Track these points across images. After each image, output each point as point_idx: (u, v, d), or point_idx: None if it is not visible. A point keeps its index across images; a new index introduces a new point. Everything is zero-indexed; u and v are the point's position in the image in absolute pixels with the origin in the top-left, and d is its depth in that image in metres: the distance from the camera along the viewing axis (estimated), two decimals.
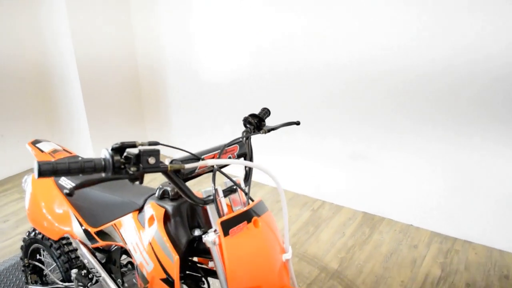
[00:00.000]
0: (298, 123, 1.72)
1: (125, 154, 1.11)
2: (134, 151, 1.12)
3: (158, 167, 1.15)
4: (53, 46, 4.43)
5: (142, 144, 1.16)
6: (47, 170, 1.02)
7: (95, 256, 1.82)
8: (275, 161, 3.92)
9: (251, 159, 1.52)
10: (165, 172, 1.20)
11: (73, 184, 1.77)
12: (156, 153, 1.15)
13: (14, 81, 4.54)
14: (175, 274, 1.33)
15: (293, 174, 3.86)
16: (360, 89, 3.24)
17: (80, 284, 1.90)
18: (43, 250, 2.38)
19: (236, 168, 4.30)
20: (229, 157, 1.43)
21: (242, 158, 1.50)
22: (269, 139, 3.90)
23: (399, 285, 2.75)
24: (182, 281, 1.57)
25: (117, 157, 1.09)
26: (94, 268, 1.77)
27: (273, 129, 1.64)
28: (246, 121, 1.64)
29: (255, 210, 1.36)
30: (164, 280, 1.37)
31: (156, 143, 1.18)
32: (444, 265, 2.91)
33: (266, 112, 1.71)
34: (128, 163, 1.11)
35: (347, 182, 3.55)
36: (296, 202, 3.77)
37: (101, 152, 1.11)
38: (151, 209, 1.46)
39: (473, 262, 2.94)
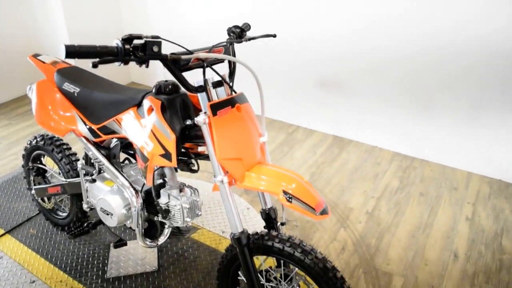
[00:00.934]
0: (274, 36, 1.96)
1: (133, 43, 1.36)
2: (141, 41, 1.37)
3: (160, 55, 1.40)
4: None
5: (146, 37, 1.40)
6: (72, 52, 1.26)
7: (100, 151, 2.08)
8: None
9: (234, 63, 1.77)
10: (165, 60, 1.45)
11: (77, 89, 2.01)
12: (159, 43, 1.40)
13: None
14: (172, 149, 1.62)
15: (270, 101, 4.13)
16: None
17: (85, 174, 2.18)
18: (44, 157, 2.63)
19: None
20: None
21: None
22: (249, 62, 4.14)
23: (362, 194, 3.13)
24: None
25: (127, 46, 1.34)
26: (97, 159, 2.04)
27: (252, 38, 1.89)
28: (229, 30, 1.88)
29: (237, 99, 1.64)
30: (162, 155, 1.66)
31: (158, 37, 1.42)
32: (402, 179, 3.30)
33: (247, 25, 1.95)
34: (136, 50, 1.36)
35: (320, 108, 3.86)
36: (273, 126, 4.08)
37: (113, 41, 1.35)
38: (149, 101, 1.72)
39: (428, 177, 3.34)
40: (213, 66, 1.66)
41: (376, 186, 3.21)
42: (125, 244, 2.14)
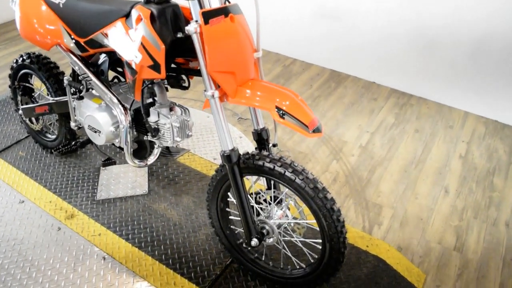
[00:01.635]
0: None
1: None
2: None
3: None
4: None
5: None
6: None
7: (87, 66, 1.99)
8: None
9: None
10: None
11: (63, 0, 1.89)
12: None
13: None
14: (161, 59, 1.54)
15: (266, 32, 3.99)
16: None
17: (72, 91, 2.11)
18: (31, 77, 2.54)
19: None
20: None
21: None
22: None
23: (356, 128, 3.09)
24: (165, 80, 1.79)
25: None
26: (85, 74, 1.95)
27: None
28: None
29: (231, 8, 1.54)
30: (151, 67, 1.58)
31: None
32: (398, 115, 3.25)
33: None
34: None
35: (318, 41, 3.73)
36: (269, 58, 3.96)
37: None
38: (137, 11, 1.61)
39: (424, 114, 3.29)
40: None
41: (371, 121, 3.17)
42: (114, 163, 2.10)
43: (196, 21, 1.47)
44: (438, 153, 2.90)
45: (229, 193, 1.84)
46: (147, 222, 2.22)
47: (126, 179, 2.47)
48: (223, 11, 1.50)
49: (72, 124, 2.15)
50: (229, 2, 1.58)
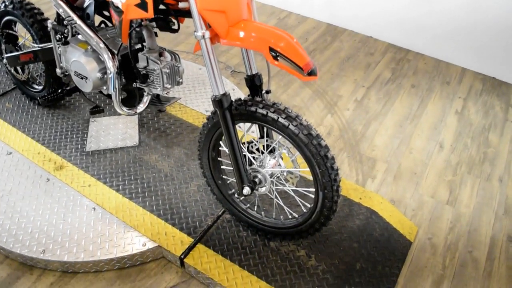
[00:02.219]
0: None
1: None
2: None
3: None
4: None
5: None
6: None
7: (72, 9, 1.89)
8: None
9: None
10: None
11: None
12: None
13: None
14: None
15: None
16: None
17: (57, 36, 2.01)
18: (15, 24, 2.43)
19: None
20: None
21: None
22: None
23: (352, 82, 3.02)
24: (154, 23, 1.71)
25: None
26: (69, 17, 1.86)
27: None
28: None
29: None
30: (138, 5, 1.50)
31: None
32: (395, 70, 3.18)
33: None
34: None
35: None
36: (263, 11, 3.84)
37: None
38: None
39: (421, 70, 3.22)
40: None
41: (367, 75, 3.10)
42: (102, 111, 2.04)
43: None
44: (434, 109, 2.85)
45: (221, 142, 1.80)
46: (137, 173, 2.19)
47: (116, 131, 2.41)
48: None
49: (58, 71, 2.07)
50: None
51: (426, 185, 2.32)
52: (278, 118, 1.53)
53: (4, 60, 2.40)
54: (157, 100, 1.98)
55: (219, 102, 1.55)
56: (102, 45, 1.78)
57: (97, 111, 2.01)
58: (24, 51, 2.23)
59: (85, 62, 1.82)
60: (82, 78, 1.87)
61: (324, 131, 2.59)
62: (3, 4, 2.30)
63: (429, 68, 3.23)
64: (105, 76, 1.85)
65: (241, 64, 3.12)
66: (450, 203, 2.23)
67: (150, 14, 1.49)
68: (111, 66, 1.77)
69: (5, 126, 2.46)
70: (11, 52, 2.41)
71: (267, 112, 1.54)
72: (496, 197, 2.29)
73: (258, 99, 1.59)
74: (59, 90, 2.12)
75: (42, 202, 2.06)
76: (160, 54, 1.79)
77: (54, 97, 2.11)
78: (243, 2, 1.51)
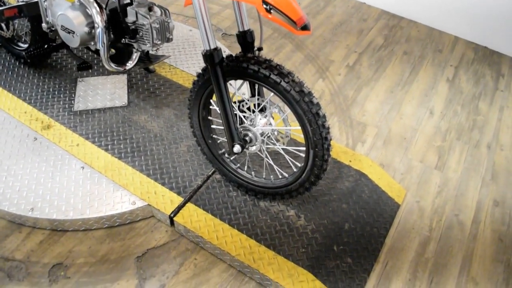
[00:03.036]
0: None
1: None
2: None
3: None
4: None
5: None
6: None
7: None
8: None
9: None
10: None
11: None
12: None
13: None
14: None
15: None
16: None
17: None
18: None
19: None
20: None
21: None
22: None
23: (344, 47, 2.99)
24: None
25: None
26: None
27: None
28: None
29: None
30: None
31: None
32: (387, 37, 3.15)
33: None
34: None
35: None
36: None
37: None
38: None
39: (414, 37, 3.20)
40: None
41: (359, 41, 3.07)
42: (90, 67, 2.00)
43: None
44: (425, 76, 2.85)
45: (211, 101, 1.78)
46: (126, 133, 2.16)
47: (104, 91, 2.37)
48: None
49: (44, 26, 2.01)
50: None
51: (415, 150, 2.33)
52: (270, 74, 1.51)
53: None
54: (146, 57, 1.94)
55: (210, 56, 1.52)
56: None
57: (85, 67, 1.97)
58: (8, 6, 2.16)
59: (72, 16, 1.77)
60: (69, 32, 1.82)
61: (315, 95, 2.57)
62: None
63: (421, 36, 3.21)
64: (93, 30, 1.81)
65: (232, 27, 3.07)
66: (439, 168, 2.25)
67: None
68: (99, 20, 1.73)
69: None
70: None
71: (259, 69, 1.52)
72: (484, 164, 2.31)
73: (250, 55, 1.56)
74: (46, 46, 2.06)
75: (30, 161, 2.03)
76: (150, 9, 1.75)
77: (40, 53, 2.05)
78: None
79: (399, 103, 2.61)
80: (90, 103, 2.30)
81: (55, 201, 1.87)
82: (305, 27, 1.40)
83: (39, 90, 2.38)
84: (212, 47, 1.51)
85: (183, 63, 2.60)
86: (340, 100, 2.57)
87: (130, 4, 1.75)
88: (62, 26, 1.83)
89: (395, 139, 2.37)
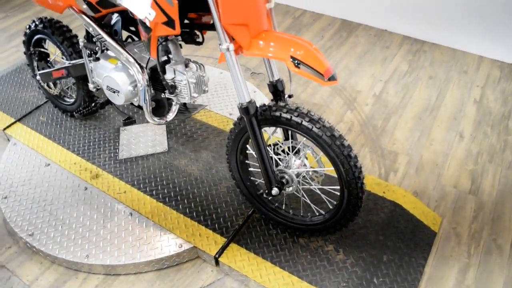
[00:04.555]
0: None
1: None
2: None
3: None
4: None
5: None
6: None
7: (101, 27, 2.01)
8: None
9: None
10: None
11: None
12: None
13: None
14: (175, 15, 1.55)
15: None
16: None
17: (88, 53, 2.13)
18: (45, 42, 2.56)
19: None
20: None
21: None
22: None
23: (370, 77, 3.08)
24: (179, 37, 1.81)
25: None
26: (99, 35, 1.97)
27: None
28: None
29: None
30: (165, 23, 1.59)
31: None
32: (411, 62, 3.22)
33: None
34: None
35: None
36: (278, 10, 3.91)
37: None
38: None
39: (438, 60, 3.25)
40: None
41: (384, 69, 3.15)
42: (134, 122, 2.16)
43: None
44: (453, 99, 2.89)
45: (247, 146, 1.89)
46: (169, 178, 2.30)
47: (145, 138, 2.53)
48: None
49: (91, 86, 2.19)
50: None
51: (448, 176, 2.37)
52: (302, 121, 1.61)
53: (38, 77, 2.53)
54: (184, 108, 2.08)
55: (246, 109, 1.64)
56: (131, 59, 1.89)
57: (129, 122, 2.13)
58: (56, 67, 2.36)
59: (116, 77, 1.93)
60: (114, 92, 1.98)
61: (344, 128, 2.66)
62: (33, 24, 2.43)
63: (445, 58, 3.26)
64: (136, 89, 1.96)
65: (260, 65, 3.21)
66: (473, 192, 2.28)
67: (177, 31, 1.59)
68: (141, 79, 1.88)
69: (41, 139, 2.60)
70: (43, 69, 2.54)
71: (291, 116, 1.63)
72: None
73: (281, 104, 1.68)
74: (93, 104, 2.24)
75: (82, 210, 2.19)
76: (186, 65, 1.89)
77: (89, 111, 2.23)
78: (263, 14, 1.60)
79: (429, 129, 2.66)
80: (134, 151, 2.46)
81: (108, 247, 2.01)
82: (332, 78, 1.50)
83: (86, 141, 2.56)
84: (247, 100, 1.63)
85: (216, 105, 2.74)
86: (369, 130, 2.65)
87: (168, 62, 1.90)
88: (107, 86, 2.00)
89: (427, 166, 2.43)
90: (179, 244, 1.99)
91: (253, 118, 1.66)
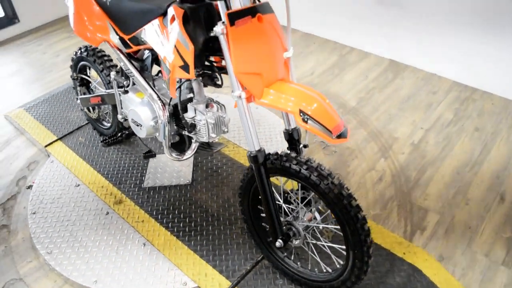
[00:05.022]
0: None
1: None
2: None
3: None
4: None
5: None
6: None
7: (131, 62, 2.08)
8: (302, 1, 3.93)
9: None
10: None
11: None
12: None
13: None
14: (190, 60, 1.57)
15: (323, 19, 3.89)
16: None
17: (118, 85, 2.21)
18: (89, 68, 2.70)
19: None
20: None
21: None
22: None
23: (410, 124, 2.95)
24: (200, 78, 1.82)
25: None
26: (129, 70, 2.04)
27: None
28: None
29: (260, 8, 1.52)
30: (182, 67, 1.61)
31: None
32: (458, 111, 3.05)
33: None
34: None
35: (378, 29, 3.57)
36: (325, 47, 3.87)
37: None
38: (172, 10, 1.65)
39: (488, 111, 3.06)
40: None
41: (427, 116, 3.00)
42: (154, 156, 2.20)
43: (223, 22, 1.47)
44: (498, 155, 2.69)
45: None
46: (187, 212, 2.30)
47: (172, 168, 2.56)
48: (250, 11, 1.48)
49: (119, 116, 2.26)
50: (258, 1, 1.57)
51: (481, 242, 2.19)
52: (310, 175, 1.56)
53: (78, 101, 2.66)
54: (206, 145, 2.09)
55: (254, 158, 1.61)
56: (154, 96, 1.93)
57: (149, 155, 2.17)
58: (94, 94, 2.47)
59: (140, 112, 1.98)
60: (137, 125, 2.03)
61: (375, 176, 2.55)
62: (80, 51, 2.56)
63: (496, 109, 3.06)
64: (157, 124, 2.00)
65: None
66: (506, 264, 2.09)
67: (192, 75, 1.60)
68: (162, 115, 1.92)
69: (76, 159, 2.71)
70: (84, 94, 2.67)
71: (300, 169, 1.58)
72: None
73: (293, 154, 1.63)
74: (119, 134, 2.30)
75: (100, 234, 2.24)
76: (208, 105, 1.90)
77: (114, 140, 2.30)
78: (279, 63, 1.57)
79: (466, 186, 2.49)
80: (158, 180, 2.50)
81: (116, 275, 2.04)
82: (341, 135, 1.44)
83: (116, 166, 2.63)
84: (257, 148, 1.61)
85: (245, 141, 2.73)
86: (401, 181, 2.52)
87: (191, 100, 1.93)
88: (132, 119, 2.05)
89: (458, 228, 2.26)
90: (184, 281, 1.98)
91: (262, 167, 1.63)
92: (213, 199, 2.37)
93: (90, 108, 2.73)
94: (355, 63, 3.62)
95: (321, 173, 1.56)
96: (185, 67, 1.60)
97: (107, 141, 2.31)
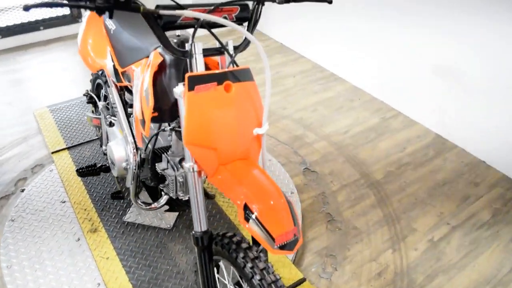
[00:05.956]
0: (330, 2, 1.53)
1: None
2: None
3: (128, 6, 1.14)
4: None
5: None
6: None
7: (124, 94, 1.96)
8: (353, 55, 3.64)
9: (254, 27, 1.43)
10: (139, 12, 1.18)
11: (114, 27, 1.86)
12: None
13: None
14: (147, 117, 1.40)
15: (371, 75, 3.58)
16: None
17: (105, 115, 2.10)
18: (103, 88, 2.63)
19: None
20: (224, 17, 1.36)
21: (246, 24, 1.42)
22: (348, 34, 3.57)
23: (436, 215, 2.57)
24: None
25: None
26: (115, 104, 1.92)
27: (295, 0, 1.50)
28: None
29: (234, 75, 1.32)
30: (140, 121, 1.45)
31: None
32: (497, 212, 2.63)
33: None
34: None
35: (432, 98, 3.21)
36: (370, 105, 3.56)
37: None
38: (152, 55, 1.50)
39: None
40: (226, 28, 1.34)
41: (459, 211, 2.61)
42: (122, 198, 2.05)
43: (184, 83, 1.29)
44: None
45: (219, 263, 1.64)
46: (154, 261, 2.13)
47: (158, 210, 2.40)
48: (217, 78, 1.29)
49: (103, 147, 2.14)
50: (236, 65, 1.37)
51: None
52: (253, 276, 1.31)
53: (86, 117, 2.60)
54: (176, 202, 1.91)
55: (198, 239, 1.40)
56: (130, 138, 1.79)
57: (117, 196, 2.03)
58: (95, 116, 2.38)
59: (115, 150, 1.85)
60: (111, 162, 1.90)
61: (374, 270, 2.22)
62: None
63: None
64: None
65: (319, 162, 2.91)
66: None
67: (146, 132, 1.43)
68: (132, 160, 1.76)
69: (73, 173, 2.65)
70: (92, 112, 2.60)
71: (245, 265, 1.34)
72: None
73: (244, 245, 1.40)
74: (97, 166, 2.18)
75: (63, 261, 2.14)
76: (182, 160, 1.72)
77: (89, 172, 2.18)
78: (243, 139, 1.35)
79: None
80: (141, 217, 2.35)
81: None
82: (285, 247, 1.19)
83: (107, 190, 2.53)
84: (203, 229, 1.40)
85: None
86: (403, 285, 2.17)
87: (167, 150, 1.76)
88: (108, 155, 1.93)
89: None
90: None
91: (205, 251, 1.41)
92: (186, 253, 2.17)
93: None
94: (396, 130, 3.28)
95: (264, 277, 1.31)
96: (142, 122, 1.44)
97: (82, 170, 2.19)
